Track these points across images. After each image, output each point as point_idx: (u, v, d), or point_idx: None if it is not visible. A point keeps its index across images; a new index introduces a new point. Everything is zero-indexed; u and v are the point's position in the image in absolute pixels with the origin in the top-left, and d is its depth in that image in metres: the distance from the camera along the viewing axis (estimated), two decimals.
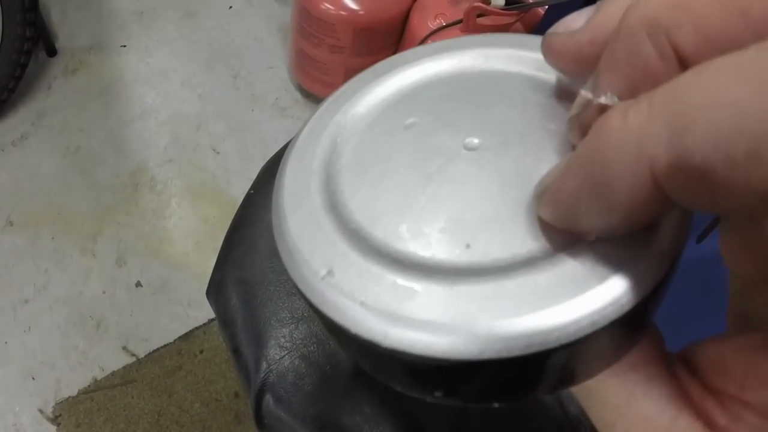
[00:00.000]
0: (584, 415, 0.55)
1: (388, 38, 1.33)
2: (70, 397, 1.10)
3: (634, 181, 0.12)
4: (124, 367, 1.13)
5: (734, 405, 0.14)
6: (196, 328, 1.17)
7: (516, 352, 0.13)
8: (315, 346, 0.51)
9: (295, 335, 0.51)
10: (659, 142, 0.11)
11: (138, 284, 1.22)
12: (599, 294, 0.14)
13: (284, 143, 0.68)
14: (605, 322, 0.14)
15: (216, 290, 0.56)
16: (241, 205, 0.61)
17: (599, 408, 0.16)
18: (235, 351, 0.53)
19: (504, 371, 0.14)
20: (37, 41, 1.46)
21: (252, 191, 0.62)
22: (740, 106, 0.10)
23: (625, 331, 0.15)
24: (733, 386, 0.14)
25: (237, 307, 0.53)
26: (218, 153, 1.41)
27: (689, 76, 0.11)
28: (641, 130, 0.11)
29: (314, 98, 1.48)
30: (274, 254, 0.55)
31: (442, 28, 1.21)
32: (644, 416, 0.15)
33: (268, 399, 0.49)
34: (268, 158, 0.64)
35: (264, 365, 0.50)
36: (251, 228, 0.57)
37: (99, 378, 1.12)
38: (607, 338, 0.14)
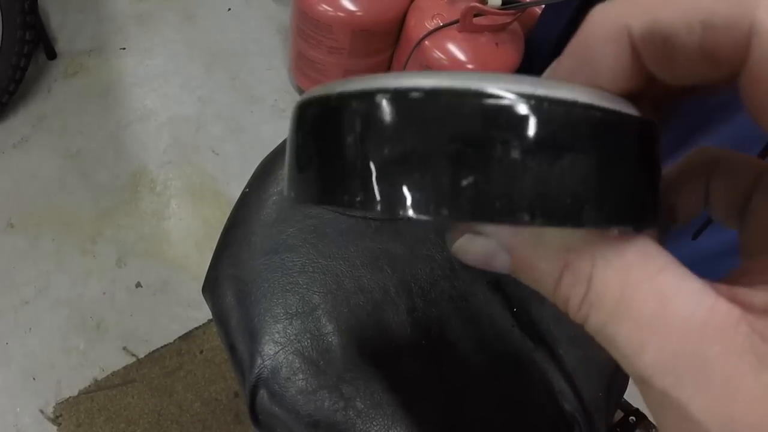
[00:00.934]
0: (578, 412, 0.55)
1: (386, 39, 1.33)
2: (70, 397, 1.11)
3: (616, 47, 0.16)
4: (125, 368, 1.13)
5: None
6: (196, 329, 1.17)
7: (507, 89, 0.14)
8: (308, 341, 0.51)
9: (288, 331, 0.51)
10: (636, 15, 0.16)
11: (138, 285, 1.23)
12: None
13: (282, 143, 0.68)
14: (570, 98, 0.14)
15: (212, 288, 0.56)
16: (236, 203, 0.62)
17: (627, 329, 0.16)
18: (231, 347, 0.53)
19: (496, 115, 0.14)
20: (37, 44, 1.47)
21: (247, 190, 0.62)
22: None
23: (603, 142, 0.15)
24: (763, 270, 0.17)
25: (232, 304, 0.54)
26: (217, 154, 1.42)
27: None
28: (622, 9, 0.16)
29: None
30: (269, 251, 0.55)
31: (439, 28, 1.21)
32: (681, 316, 0.15)
33: (263, 394, 0.50)
34: None
35: (258, 361, 0.51)
36: (246, 226, 0.58)
37: (99, 378, 1.12)
38: (580, 130, 0.15)
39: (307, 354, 0.50)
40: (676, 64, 0.16)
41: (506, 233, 0.18)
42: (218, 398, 1.10)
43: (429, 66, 1.23)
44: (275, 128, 1.47)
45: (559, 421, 0.53)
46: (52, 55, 1.53)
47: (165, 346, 1.16)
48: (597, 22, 0.17)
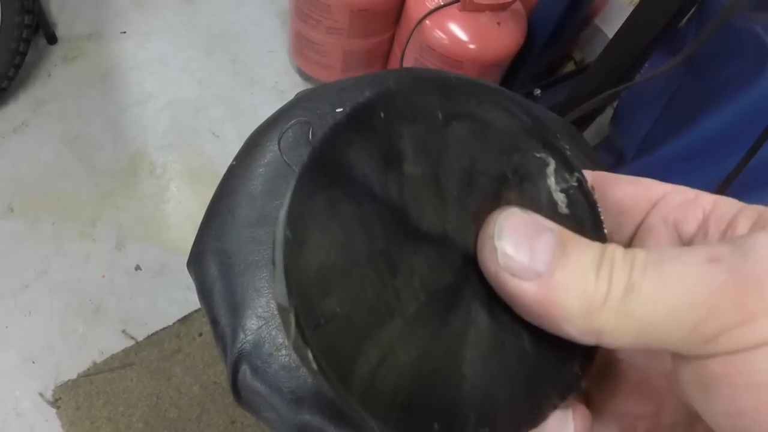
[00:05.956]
0: None
1: (386, 19, 1.31)
2: (69, 380, 1.10)
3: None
4: (123, 351, 1.13)
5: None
6: (195, 311, 1.16)
7: None
8: None
9: (272, 305, 0.50)
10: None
11: (137, 268, 1.22)
12: None
13: None
14: None
15: (195, 261, 0.55)
16: (223, 176, 0.60)
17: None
18: (213, 321, 0.52)
19: None
20: (36, 29, 1.46)
21: (234, 162, 0.61)
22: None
23: None
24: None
25: (215, 277, 0.52)
26: (217, 137, 1.40)
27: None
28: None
29: (313, 81, 1.47)
30: (254, 224, 0.54)
31: (440, 7, 1.19)
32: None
33: (245, 370, 0.48)
34: None
35: (241, 335, 0.49)
36: (232, 198, 0.56)
37: (98, 361, 1.12)
38: None
39: None
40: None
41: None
42: (217, 381, 1.09)
43: (430, 46, 1.21)
44: (275, 110, 1.45)
45: None
46: (52, 39, 1.52)
47: (164, 329, 1.15)
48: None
